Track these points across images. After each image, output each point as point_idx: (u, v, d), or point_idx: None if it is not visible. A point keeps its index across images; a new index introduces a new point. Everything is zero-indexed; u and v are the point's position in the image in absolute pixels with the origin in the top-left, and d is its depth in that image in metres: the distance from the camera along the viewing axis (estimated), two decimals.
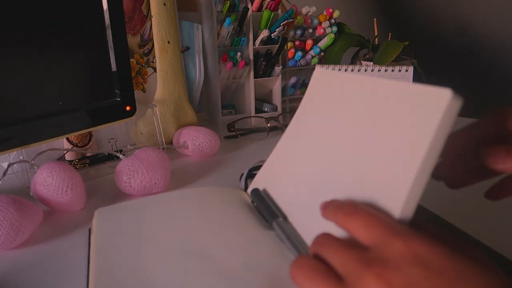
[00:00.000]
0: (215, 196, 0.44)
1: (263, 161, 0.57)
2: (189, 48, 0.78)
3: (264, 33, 0.77)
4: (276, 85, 0.85)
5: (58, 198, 0.47)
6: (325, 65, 0.78)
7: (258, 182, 0.46)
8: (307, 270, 0.27)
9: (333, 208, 0.29)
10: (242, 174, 0.54)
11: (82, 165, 0.62)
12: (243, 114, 0.85)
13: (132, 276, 0.32)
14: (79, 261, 0.41)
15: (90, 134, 0.63)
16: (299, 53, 0.85)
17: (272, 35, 0.78)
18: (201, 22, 0.80)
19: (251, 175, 0.54)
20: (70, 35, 0.52)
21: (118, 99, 0.58)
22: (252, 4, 0.78)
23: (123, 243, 0.36)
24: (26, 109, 0.50)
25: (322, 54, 0.87)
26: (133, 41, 0.69)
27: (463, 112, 0.30)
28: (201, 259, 0.33)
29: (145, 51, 0.71)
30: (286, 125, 0.80)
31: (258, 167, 0.54)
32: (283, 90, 0.86)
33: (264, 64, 0.81)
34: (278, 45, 0.79)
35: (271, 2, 0.78)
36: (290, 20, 0.77)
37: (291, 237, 0.35)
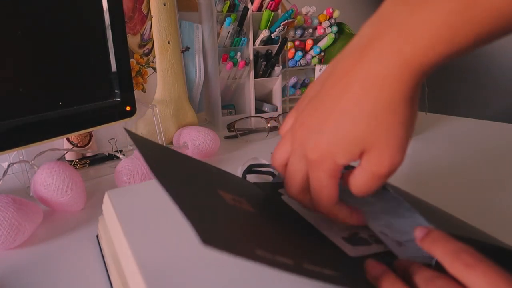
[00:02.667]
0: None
1: (256, 158, 0.58)
2: (189, 48, 0.78)
3: (264, 33, 0.77)
4: (276, 85, 0.85)
5: (58, 198, 0.47)
6: (325, 65, 0.78)
7: None
8: None
9: (445, 249, 0.26)
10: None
11: (82, 165, 0.62)
12: (243, 114, 0.85)
13: (173, 255, 0.31)
14: (80, 261, 0.41)
15: (90, 134, 0.63)
16: (299, 53, 0.85)
17: (272, 35, 0.78)
18: (201, 22, 0.80)
19: (250, 171, 0.54)
20: (70, 35, 0.52)
21: (118, 99, 0.58)
22: (252, 4, 0.78)
23: (150, 223, 0.35)
24: (26, 109, 0.50)
25: (322, 54, 0.87)
26: (133, 41, 0.69)
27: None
28: None
29: (145, 51, 0.71)
30: None
31: (258, 165, 0.55)
32: (283, 90, 0.86)
33: (264, 64, 0.81)
34: (278, 45, 0.80)
35: (271, 2, 0.78)
36: (290, 20, 0.77)
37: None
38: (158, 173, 0.27)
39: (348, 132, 0.28)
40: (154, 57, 0.72)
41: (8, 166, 0.52)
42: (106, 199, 0.39)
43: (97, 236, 0.43)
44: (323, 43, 0.85)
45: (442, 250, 0.25)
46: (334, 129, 0.29)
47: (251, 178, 0.54)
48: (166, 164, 0.34)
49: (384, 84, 0.27)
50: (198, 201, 0.29)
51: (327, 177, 0.31)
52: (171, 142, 0.71)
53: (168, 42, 0.71)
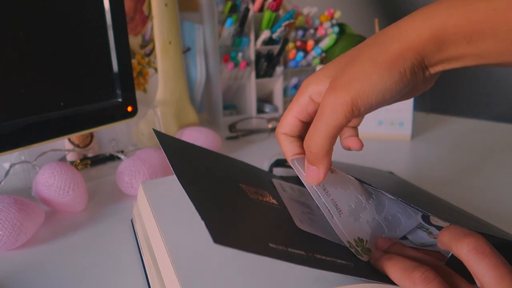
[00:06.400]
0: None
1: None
2: (190, 49, 0.78)
3: (265, 34, 0.77)
4: (277, 85, 0.85)
5: (60, 198, 0.47)
6: None
7: None
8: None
9: (457, 237, 0.27)
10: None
11: (83, 166, 0.62)
12: (244, 115, 0.85)
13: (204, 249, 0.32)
14: (81, 262, 0.41)
15: (92, 135, 0.64)
16: (301, 54, 0.85)
17: (273, 35, 0.78)
18: (203, 23, 0.80)
19: (277, 164, 0.55)
20: (72, 36, 0.52)
21: (120, 99, 0.58)
22: (253, 5, 0.78)
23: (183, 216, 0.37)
24: (28, 109, 0.50)
25: (324, 54, 0.87)
26: (134, 41, 0.69)
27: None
28: None
29: (146, 52, 0.71)
30: None
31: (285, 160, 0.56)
32: (285, 90, 0.86)
33: (265, 65, 0.81)
34: (279, 46, 0.80)
35: (272, 3, 0.78)
36: (291, 21, 0.77)
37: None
38: (179, 173, 0.29)
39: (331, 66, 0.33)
40: (155, 58, 0.72)
41: (10, 166, 0.52)
42: (140, 188, 0.42)
43: (131, 220, 0.46)
44: (325, 44, 0.85)
45: (458, 242, 0.27)
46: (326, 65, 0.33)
47: (278, 172, 0.54)
48: (190, 162, 0.35)
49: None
50: (217, 196, 0.31)
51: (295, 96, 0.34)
52: None
53: (170, 43, 0.71)
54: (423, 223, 0.37)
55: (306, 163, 0.32)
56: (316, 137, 0.30)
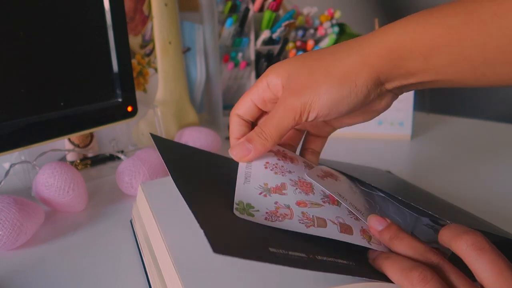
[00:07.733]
0: None
1: None
2: (190, 49, 0.78)
3: (265, 34, 0.77)
4: None
5: (60, 198, 0.47)
6: None
7: None
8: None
9: (457, 235, 0.27)
10: None
11: (83, 166, 0.62)
12: None
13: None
14: (81, 262, 0.41)
15: (92, 134, 0.64)
16: None
17: (273, 35, 0.78)
18: (203, 23, 0.80)
19: None
20: (72, 36, 0.52)
21: (120, 99, 0.58)
22: (253, 5, 0.78)
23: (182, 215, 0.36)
24: (28, 109, 0.50)
25: None
26: (134, 41, 0.69)
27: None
28: None
29: (146, 52, 0.71)
30: None
31: None
32: None
33: (265, 65, 0.81)
34: (279, 46, 0.80)
35: (272, 3, 0.78)
36: (291, 21, 0.77)
37: None
38: (178, 181, 0.30)
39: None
40: (155, 58, 0.72)
41: (10, 166, 0.52)
42: (139, 190, 0.42)
43: (130, 221, 0.46)
44: (325, 44, 0.85)
45: (455, 237, 0.26)
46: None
47: None
48: (189, 167, 0.35)
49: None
50: (216, 201, 0.30)
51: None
52: None
53: (170, 43, 0.71)
54: (431, 223, 0.37)
55: (244, 139, 0.34)
56: (270, 127, 0.32)
